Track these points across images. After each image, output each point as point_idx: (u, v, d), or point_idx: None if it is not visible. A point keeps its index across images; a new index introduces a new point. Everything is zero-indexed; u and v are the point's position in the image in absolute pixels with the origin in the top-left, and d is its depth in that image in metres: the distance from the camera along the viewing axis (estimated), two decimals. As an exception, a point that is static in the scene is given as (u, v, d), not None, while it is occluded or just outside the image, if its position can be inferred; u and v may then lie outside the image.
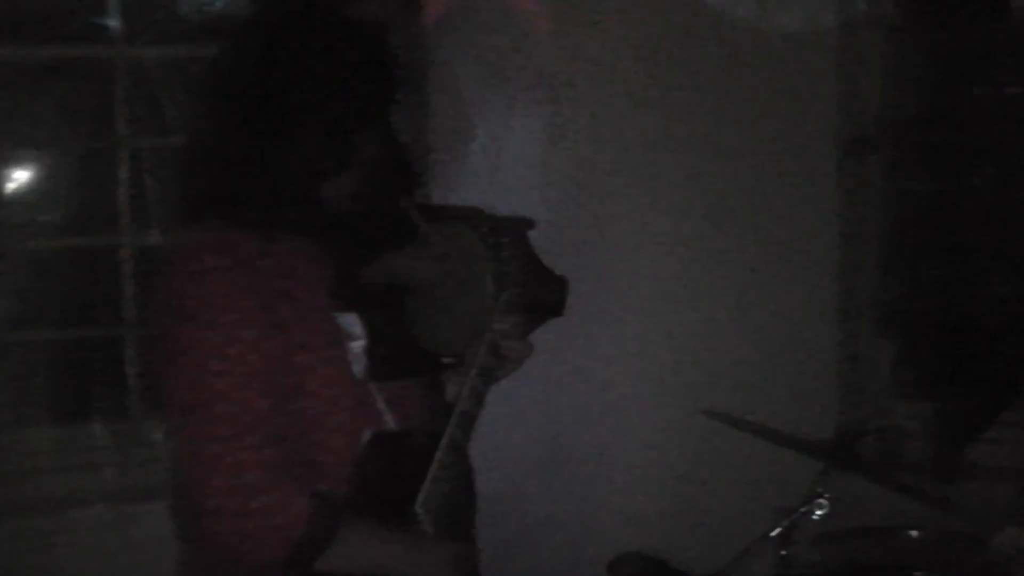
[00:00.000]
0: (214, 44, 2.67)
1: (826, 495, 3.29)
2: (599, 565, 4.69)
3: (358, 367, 2.66)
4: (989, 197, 4.61)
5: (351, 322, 2.70)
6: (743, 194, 4.72)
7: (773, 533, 3.32)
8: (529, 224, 3.39)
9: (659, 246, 4.84)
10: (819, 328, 4.66)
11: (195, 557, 2.56)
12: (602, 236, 4.84)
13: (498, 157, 4.84)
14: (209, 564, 2.53)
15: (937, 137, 4.68)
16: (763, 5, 4.66)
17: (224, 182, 2.51)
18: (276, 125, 2.50)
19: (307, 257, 2.60)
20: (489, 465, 3.97)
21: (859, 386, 4.73)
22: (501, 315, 2.88)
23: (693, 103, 4.76)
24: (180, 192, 2.62)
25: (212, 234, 2.50)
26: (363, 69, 2.57)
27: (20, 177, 4.37)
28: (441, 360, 3.63)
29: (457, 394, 2.78)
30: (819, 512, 3.29)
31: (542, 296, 3.59)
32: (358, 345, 2.69)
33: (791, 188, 4.65)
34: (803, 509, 3.30)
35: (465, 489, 3.86)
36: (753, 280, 4.72)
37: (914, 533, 3.70)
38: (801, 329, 4.67)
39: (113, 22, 4.35)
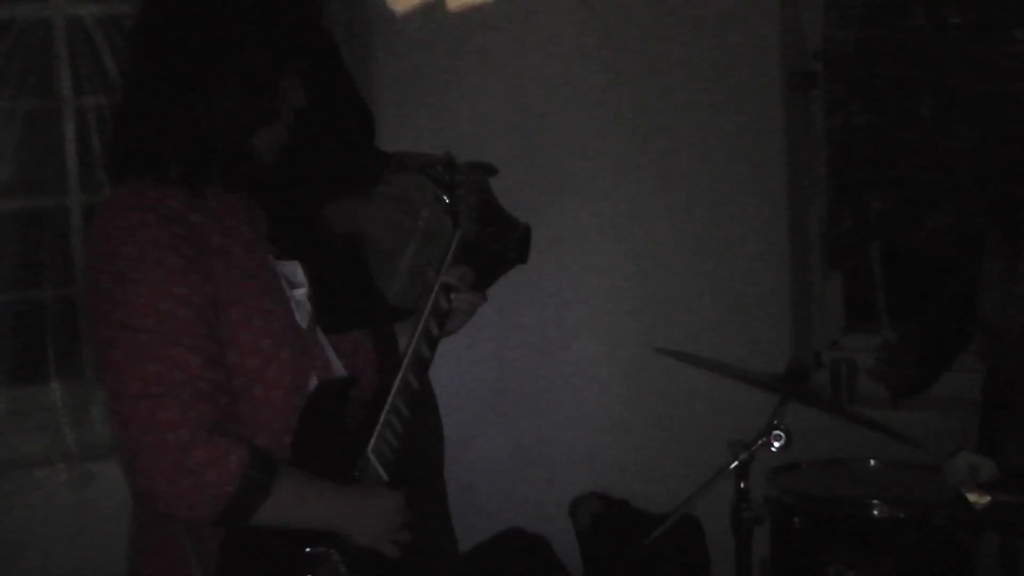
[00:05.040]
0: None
1: (782, 427, 3.31)
2: (560, 505, 4.74)
3: (302, 315, 2.65)
4: (932, 129, 4.64)
5: (293, 270, 2.69)
6: (690, 130, 4.73)
7: (731, 466, 3.35)
8: (491, 170, 3.36)
9: (608, 186, 4.85)
10: (770, 262, 4.68)
11: (147, 511, 2.57)
12: (549, 175, 4.85)
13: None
14: (160, 519, 2.52)
15: (879, 70, 4.69)
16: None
17: (152, 137, 2.50)
18: (201, 78, 2.49)
19: (238, 210, 2.60)
20: (447, 408, 4.01)
21: (810, 319, 4.77)
22: (451, 264, 2.88)
23: (638, 41, 4.76)
24: (110, 149, 2.61)
25: (140, 190, 2.49)
26: (284, 17, 2.56)
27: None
28: (393, 307, 3.64)
29: (409, 340, 2.78)
30: (777, 444, 3.31)
31: (506, 244, 3.58)
32: (301, 292, 2.68)
33: (738, 124, 4.66)
34: (760, 441, 3.32)
35: (434, 434, 3.88)
36: (703, 215, 4.74)
37: (872, 462, 3.74)
38: (752, 263, 4.68)
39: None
